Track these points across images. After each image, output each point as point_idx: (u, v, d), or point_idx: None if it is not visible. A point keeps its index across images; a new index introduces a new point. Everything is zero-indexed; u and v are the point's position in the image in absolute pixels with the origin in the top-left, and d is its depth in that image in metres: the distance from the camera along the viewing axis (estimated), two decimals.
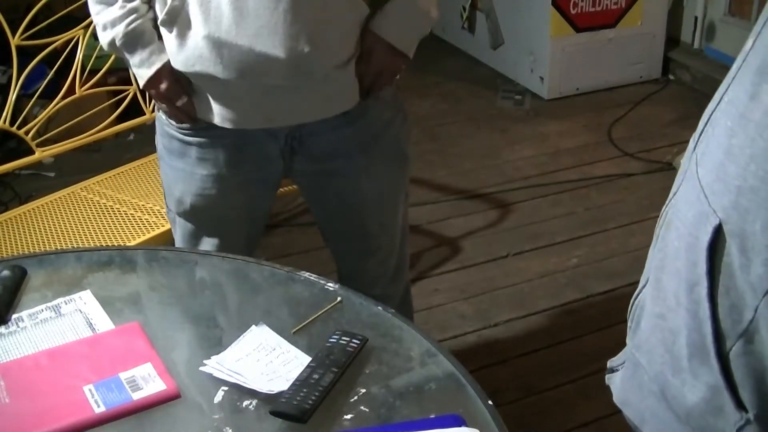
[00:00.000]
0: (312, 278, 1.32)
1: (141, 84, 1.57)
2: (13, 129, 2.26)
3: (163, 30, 1.53)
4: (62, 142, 2.37)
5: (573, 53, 3.92)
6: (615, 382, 0.97)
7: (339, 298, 1.26)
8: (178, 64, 1.52)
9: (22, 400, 1.07)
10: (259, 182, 1.68)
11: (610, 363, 0.98)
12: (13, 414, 1.05)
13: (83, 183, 2.42)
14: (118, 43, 1.54)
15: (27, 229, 2.19)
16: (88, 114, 2.50)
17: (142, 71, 1.55)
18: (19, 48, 2.22)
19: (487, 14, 4.30)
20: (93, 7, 1.57)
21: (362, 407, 1.06)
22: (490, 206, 3.15)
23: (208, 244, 1.71)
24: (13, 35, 2.20)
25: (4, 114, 2.22)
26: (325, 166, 1.66)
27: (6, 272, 1.30)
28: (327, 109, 1.58)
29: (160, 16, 1.51)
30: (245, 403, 1.07)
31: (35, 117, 2.33)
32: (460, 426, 1.00)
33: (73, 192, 2.37)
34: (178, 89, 1.55)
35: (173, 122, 1.62)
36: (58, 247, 2.09)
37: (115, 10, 1.53)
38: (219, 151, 1.61)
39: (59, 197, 2.35)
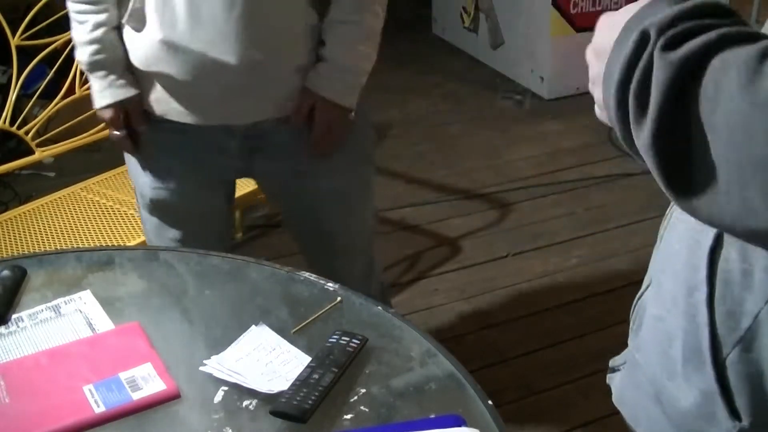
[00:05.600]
0: (312, 278, 1.32)
1: (93, 106, 1.68)
2: (13, 129, 2.26)
3: (126, 28, 1.59)
4: (62, 142, 2.37)
5: (573, 53, 3.89)
6: (615, 382, 0.97)
7: (339, 298, 1.26)
8: (137, 62, 1.59)
9: (22, 400, 1.07)
10: (217, 179, 1.73)
11: (611, 363, 0.98)
12: (13, 414, 1.05)
13: (83, 183, 2.42)
14: (82, 66, 1.64)
15: (27, 229, 2.19)
16: (88, 114, 2.48)
17: (96, 98, 1.65)
18: (19, 48, 2.22)
19: (487, 14, 4.30)
20: (71, 20, 1.64)
21: (362, 407, 1.06)
22: (490, 206, 3.15)
23: (171, 238, 1.76)
24: (13, 35, 2.20)
25: (4, 114, 2.22)
26: (284, 166, 1.68)
27: (6, 272, 1.30)
28: (283, 108, 1.61)
29: (125, 15, 1.57)
30: (245, 403, 1.07)
31: (35, 117, 2.33)
32: (460, 426, 1.00)
33: (73, 192, 2.37)
34: (119, 124, 1.64)
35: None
36: (58, 247, 2.09)
37: (84, 33, 1.60)
38: (177, 146, 1.66)
39: (59, 197, 2.35)
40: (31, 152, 2.32)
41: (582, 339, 2.44)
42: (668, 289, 0.82)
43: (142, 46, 1.57)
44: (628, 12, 0.67)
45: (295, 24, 1.55)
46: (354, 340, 1.15)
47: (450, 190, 3.24)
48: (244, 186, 2.26)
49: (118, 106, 1.62)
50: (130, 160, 1.74)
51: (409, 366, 1.14)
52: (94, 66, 1.61)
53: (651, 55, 0.62)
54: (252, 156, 1.67)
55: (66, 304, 1.27)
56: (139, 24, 1.55)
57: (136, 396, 1.07)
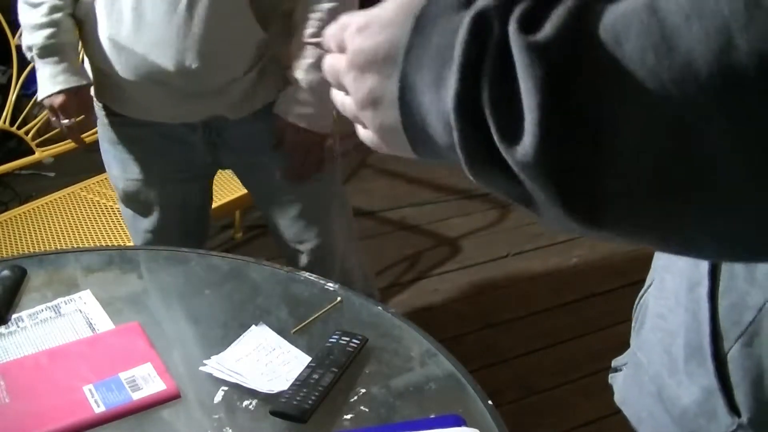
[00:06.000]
0: (312, 278, 1.32)
1: (39, 95, 1.62)
2: (13, 129, 2.26)
3: (79, 23, 1.58)
4: (62, 142, 2.37)
5: None
6: (617, 381, 0.97)
7: (339, 298, 1.26)
8: (88, 57, 1.60)
9: (22, 400, 1.07)
10: (185, 172, 1.72)
11: (614, 362, 0.98)
12: (13, 414, 1.05)
13: (83, 183, 2.42)
14: (33, 51, 1.58)
15: (27, 229, 2.19)
16: None
17: (45, 84, 1.60)
18: (19, 48, 2.22)
19: None
20: (21, 3, 1.60)
21: (362, 407, 1.06)
22: (490, 206, 3.15)
23: (144, 229, 1.77)
24: (13, 35, 2.20)
25: (4, 114, 2.22)
26: (245, 159, 1.69)
27: (6, 272, 1.30)
28: (228, 110, 1.60)
29: (76, 10, 1.57)
30: (245, 403, 1.07)
31: (35, 117, 2.33)
32: (460, 426, 1.00)
33: (73, 192, 2.37)
34: (70, 112, 1.61)
35: (104, 111, 1.68)
36: (58, 247, 2.09)
37: (38, 16, 1.56)
38: (144, 140, 1.67)
39: (59, 197, 2.35)
40: (31, 152, 2.32)
41: (582, 339, 2.44)
42: (670, 287, 0.83)
43: (90, 43, 1.57)
44: (402, 8, 0.49)
45: (235, 36, 1.52)
46: (354, 340, 1.15)
47: (450, 190, 3.24)
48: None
49: (72, 92, 1.59)
50: (103, 152, 1.75)
51: (409, 366, 1.14)
52: (47, 50, 1.57)
53: (502, 47, 0.43)
54: (217, 149, 1.67)
55: (66, 304, 1.27)
56: (89, 21, 1.55)
57: (136, 396, 1.07)
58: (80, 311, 1.25)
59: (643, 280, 0.93)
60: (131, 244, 2.10)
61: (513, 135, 0.43)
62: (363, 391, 1.09)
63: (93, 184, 2.42)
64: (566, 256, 2.83)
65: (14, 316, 1.24)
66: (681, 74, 0.39)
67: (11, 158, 2.36)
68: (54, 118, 1.63)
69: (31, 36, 1.58)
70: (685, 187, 0.42)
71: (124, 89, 1.59)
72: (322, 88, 1.56)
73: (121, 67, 1.54)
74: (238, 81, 1.56)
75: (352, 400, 1.07)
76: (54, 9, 1.56)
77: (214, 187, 2.31)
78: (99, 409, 1.05)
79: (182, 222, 1.79)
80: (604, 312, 2.51)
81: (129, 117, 1.64)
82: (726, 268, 0.75)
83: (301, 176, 1.64)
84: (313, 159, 1.63)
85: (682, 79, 0.39)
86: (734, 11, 0.38)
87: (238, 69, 1.55)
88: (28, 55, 1.61)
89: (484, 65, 0.44)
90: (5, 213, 2.32)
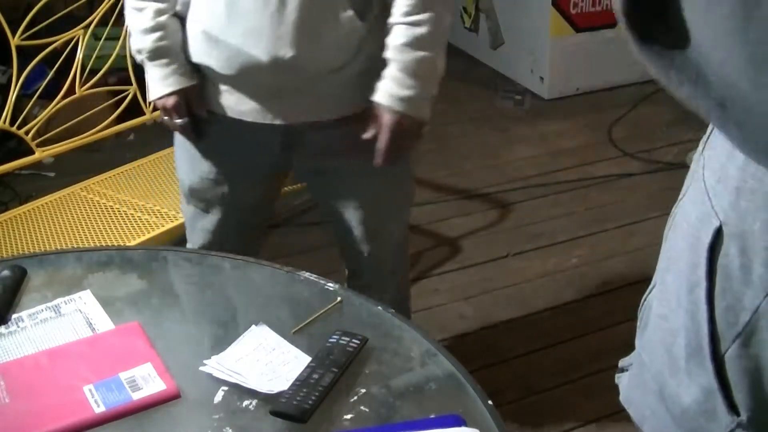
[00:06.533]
0: (312, 278, 1.32)
1: (150, 96, 1.64)
2: (13, 129, 2.26)
3: (181, 19, 1.59)
4: (62, 142, 2.37)
5: (573, 53, 3.91)
6: (623, 381, 0.97)
7: (339, 298, 1.26)
8: (187, 53, 1.59)
9: (22, 400, 1.07)
10: (255, 173, 1.71)
11: (620, 363, 0.99)
12: (13, 414, 1.05)
13: (83, 183, 2.42)
14: (143, 54, 1.60)
15: (27, 229, 2.19)
16: (88, 114, 2.50)
17: (155, 86, 1.61)
18: (19, 48, 2.22)
19: (487, 14, 4.30)
20: (128, 8, 1.62)
21: (362, 407, 1.06)
22: (490, 206, 3.15)
23: (202, 227, 1.75)
24: (13, 35, 2.20)
25: (4, 114, 2.22)
26: (319, 165, 1.68)
27: (6, 272, 1.30)
28: (319, 111, 1.59)
29: (177, 7, 1.57)
30: (245, 403, 1.07)
31: (35, 117, 2.33)
32: (460, 426, 1.00)
33: (73, 192, 2.37)
34: (183, 112, 1.61)
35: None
36: (58, 247, 2.09)
37: (145, 21, 1.58)
38: (219, 136, 1.66)
39: (59, 197, 2.35)
40: (31, 152, 2.32)
41: (582, 339, 2.44)
42: (672, 288, 0.83)
43: (188, 38, 1.58)
44: None
45: (331, 24, 1.50)
46: (354, 340, 1.15)
47: (450, 190, 3.24)
48: None
49: (181, 93, 1.60)
50: (176, 147, 1.76)
51: (409, 366, 1.14)
52: (156, 53, 1.58)
53: None
54: (292, 151, 1.65)
55: (66, 304, 1.27)
56: (188, 16, 1.56)
57: (136, 396, 1.07)
58: (80, 311, 1.25)
59: (643, 281, 0.93)
60: (132, 244, 2.10)
61: None
62: (363, 391, 1.09)
63: (93, 184, 2.42)
64: (566, 256, 2.83)
65: (14, 316, 1.24)
66: None
67: (11, 158, 2.36)
68: (166, 118, 1.65)
69: (140, 40, 1.59)
70: None
71: (214, 84, 1.60)
72: (417, 69, 1.52)
73: (214, 61, 1.55)
74: (331, 75, 1.54)
75: (352, 400, 1.07)
76: (159, 12, 1.57)
77: None
78: (99, 409, 1.05)
79: (243, 223, 1.78)
80: (604, 312, 2.51)
81: (211, 113, 1.64)
82: (722, 271, 0.76)
83: (390, 161, 1.60)
84: (408, 145, 1.61)
85: None
86: None
87: (333, 60, 1.53)
88: (138, 58, 1.63)
89: None
90: (5, 213, 2.32)
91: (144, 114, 2.54)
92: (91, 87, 2.39)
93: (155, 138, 2.52)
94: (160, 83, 1.60)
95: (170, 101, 1.60)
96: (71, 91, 2.35)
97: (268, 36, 1.47)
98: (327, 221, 1.84)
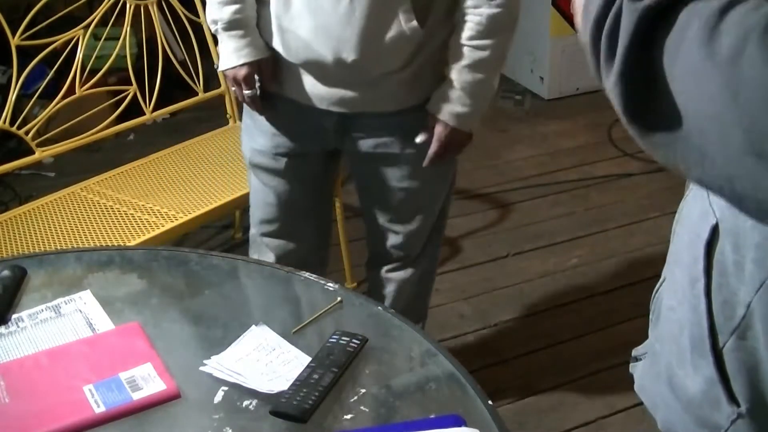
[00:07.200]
0: (312, 278, 1.32)
1: (221, 66, 1.69)
2: (13, 129, 2.26)
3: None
4: (62, 142, 2.37)
5: (573, 53, 3.91)
6: (637, 370, 0.99)
7: (339, 298, 1.26)
8: (260, 32, 1.65)
9: (22, 400, 1.07)
10: (311, 149, 1.77)
11: (634, 352, 1.01)
12: (13, 414, 1.05)
13: (83, 183, 2.42)
14: (218, 24, 1.65)
15: (27, 229, 2.19)
16: (88, 114, 2.50)
17: (229, 57, 1.66)
18: (19, 48, 2.22)
19: None
20: None
21: (362, 407, 1.06)
22: (490, 206, 3.15)
23: (267, 202, 1.82)
24: (13, 35, 2.20)
25: (4, 114, 2.22)
26: (370, 151, 1.73)
27: (6, 272, 1.30)
28: (376, 104, 1.66)
29: None
30: (245, 403, 1.07)
31: (35, 117, 2.33)
32: (460, 426, 1.00)
33: (73, 192, 2.37)
34: (252, 83, 1.67)
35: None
36: (58, 247, 2.09)
37: None
38: (280, 115, 1.73)
39: (59, 197, 2.35)
40: (31, 152, 2.32)
41: (582, 339, 2.44)
42: (678, 281, 0.85)
43: (262, 20, 1.63)
44: None
45: (393, 30, 1.55)
46: (354, 340, 1.15)
47: None
48: (244, 186, 2.26)
49: (254, 65, 1.65)
50: (243, 120, 1.82)
51: (409, 366, 1.14)
52: (233, 24, 1.63)
53: (621, 1, 0.63)
54: (346, 134, 1.72)
55: (66, 304, 1.27)
56: (264, 2, 1.61)
57: (136, 396, 1.07)
58: (80, 311, 1.25)
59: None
60: (132, 244, 2.10)
61: (608, 64, 0.63)
62: (363, 391, 1.09)
63: (93, 184, 2.41)
64: (566, 256, 2.83)
65: (14, 316, 1.24)
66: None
67: (11, 158, 2.35)
68: (235, 88, 1.71)
69: (218, 11, 1.63)
70: None
71: (281, 67, 1.66)
72: (475, 89, 1.62)
73: (282, 47, 1.61)
74: (391, 76, 1.61)
75: (352, 400, 1.07)
76: None
77: (213, 187, 2.32)
78: (99, 409, 1.05)
79: (302, 204, 1.84)
80: (604, 312, 2.51)
81: (276, 93, 1.70)
82: (718, 267, 0.78)
83: (435, 163, 1.71)
84: (455, 152, 1.72)
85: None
86: None
87: (393, 64, 1.59)
88: (213, 28, 1.67)
89: (610, 12, 0.63)
90: (5, 213, 2.31)
91: (144, 114, 2.53)
92: (91, 87, 2.39)
93: (155, 138, 2.52)
94: (234, 54, 1.65)
95: (242, 72, 1.65)
96: (71, 91, 2.34)
97: (335, 36, 1.53)
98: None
